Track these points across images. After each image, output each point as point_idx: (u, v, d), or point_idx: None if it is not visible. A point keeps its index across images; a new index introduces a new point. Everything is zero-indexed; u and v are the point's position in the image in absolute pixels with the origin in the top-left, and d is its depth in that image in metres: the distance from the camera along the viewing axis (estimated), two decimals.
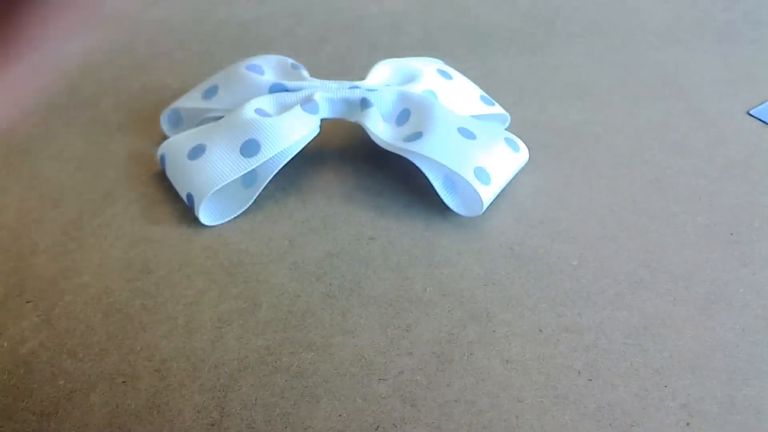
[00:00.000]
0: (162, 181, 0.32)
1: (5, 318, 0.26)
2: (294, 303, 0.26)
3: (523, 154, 0.32)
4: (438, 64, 0.35)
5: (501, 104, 0.35)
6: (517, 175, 0.32)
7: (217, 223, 0.30)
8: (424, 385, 0.23)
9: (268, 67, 0.34)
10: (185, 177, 0.30)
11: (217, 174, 0.29)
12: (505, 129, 0.34)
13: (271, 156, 0.29)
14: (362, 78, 0.33)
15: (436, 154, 0.29)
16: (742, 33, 0.43)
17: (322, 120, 0.31)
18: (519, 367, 0.24)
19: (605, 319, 0.26)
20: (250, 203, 0.30)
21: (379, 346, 0.25)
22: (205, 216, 0.30)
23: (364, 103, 0.31)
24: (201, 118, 0.33)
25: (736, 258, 0.28)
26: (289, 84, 0.33)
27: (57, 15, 0.46)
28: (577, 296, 0.26)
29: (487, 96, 0.35)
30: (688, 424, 0.22)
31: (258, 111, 0.31)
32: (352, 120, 0.32)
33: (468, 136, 0.30)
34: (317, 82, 0.33)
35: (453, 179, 0.30)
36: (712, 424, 0.22)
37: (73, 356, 0.25)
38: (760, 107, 0.35)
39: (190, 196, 0.30)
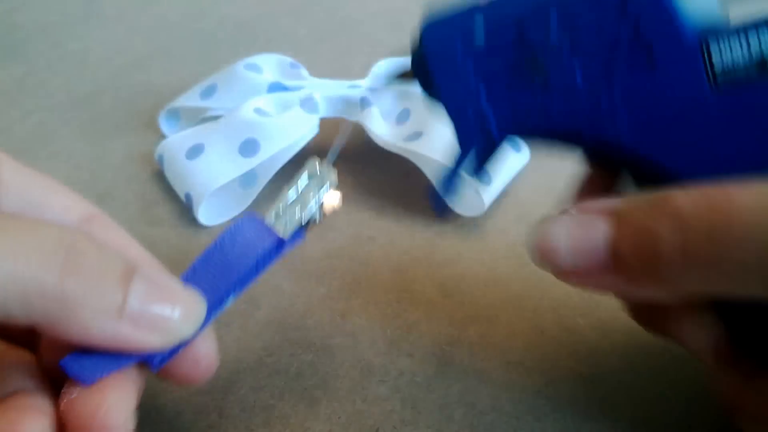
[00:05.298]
0: (160, 181, 0.32)
1: None
2: (293, 304, 0.26)
3: (524, 154, 0.32)
4: None
5: None
6: (518, 174, 0.31)
7: (216, 223, 0.30)
8: (424, 387, 0.23)
9: (267, 67, 0.34)
10: (184, 177, 0.30)
11: (216, 174, 0.29)
12: None
13: (270, 155, 0.29)
14: (362, 77, 0.33)
15: (436, 154, 0.29)
16: None
17: (321, 119, 0.31)
18: (520, 369, 0.24)
19: (608, 320, 0.25)
20: (250, 203, 0.30)
21: (379, 347, 0.24)
22: (204, 216, 0.30)
23: (364, 102, 0.31)
24: (200, 118, 0.33)
25: None
26: (288, 83, 0.32)
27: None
28: (578, 297, 0.26)
29: None
30: (689, 426, 0.22)
31: (257, 110, 0.30)
32: (352, 119, 0.31)
33: None
34: (316, 81, 0.33)
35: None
36: (708, 425, 0.22)
37: None
38: None
39: (188, 196, 0.29)
